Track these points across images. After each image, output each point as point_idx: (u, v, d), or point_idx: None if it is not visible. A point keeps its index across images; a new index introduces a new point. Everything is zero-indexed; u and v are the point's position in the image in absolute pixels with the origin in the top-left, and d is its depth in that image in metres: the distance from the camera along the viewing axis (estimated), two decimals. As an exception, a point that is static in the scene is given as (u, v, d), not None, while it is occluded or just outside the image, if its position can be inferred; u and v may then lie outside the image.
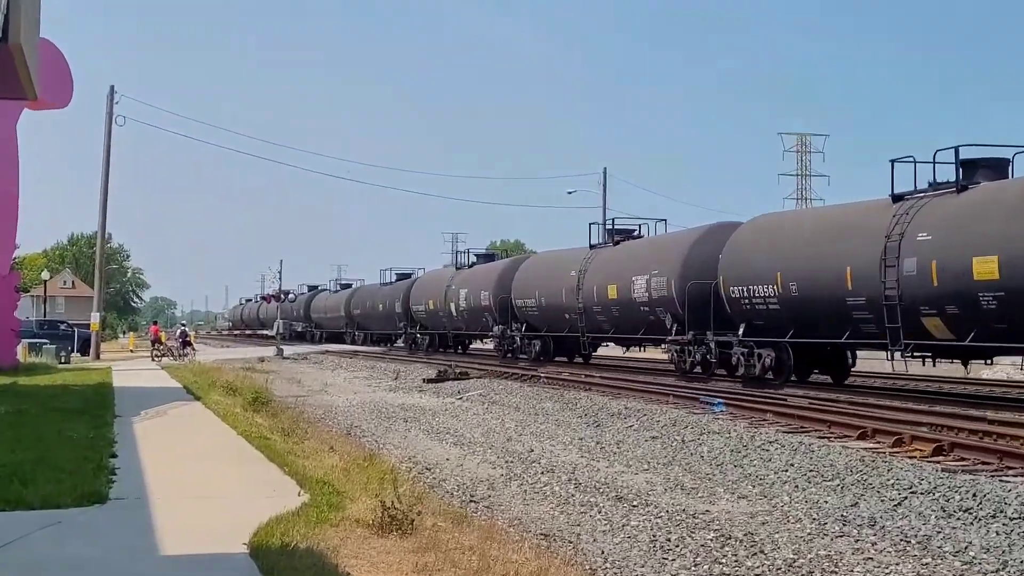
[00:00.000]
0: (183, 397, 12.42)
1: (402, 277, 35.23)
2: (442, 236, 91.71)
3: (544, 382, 16.53)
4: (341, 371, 21.62)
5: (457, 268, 27.28)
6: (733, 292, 15.59)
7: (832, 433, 9.55)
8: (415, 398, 15.18)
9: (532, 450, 9.28)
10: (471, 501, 6.97)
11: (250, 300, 58.80)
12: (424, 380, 17.33)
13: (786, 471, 7.80)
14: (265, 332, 45.44)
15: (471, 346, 29.23)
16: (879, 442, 8.87)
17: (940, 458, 7.95)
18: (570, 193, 46.04)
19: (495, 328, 22.92)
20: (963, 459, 7.86)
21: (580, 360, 21.12)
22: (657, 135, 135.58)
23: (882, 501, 6.57)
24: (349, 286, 41.98)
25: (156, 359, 22.96)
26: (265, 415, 10.62)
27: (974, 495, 6.41)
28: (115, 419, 9.42)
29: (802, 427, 10.05)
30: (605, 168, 39.92)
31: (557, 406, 13.01)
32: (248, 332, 54.71)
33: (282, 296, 36.87)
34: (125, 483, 5.92)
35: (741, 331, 15.42)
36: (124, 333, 57.28)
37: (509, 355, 22.58)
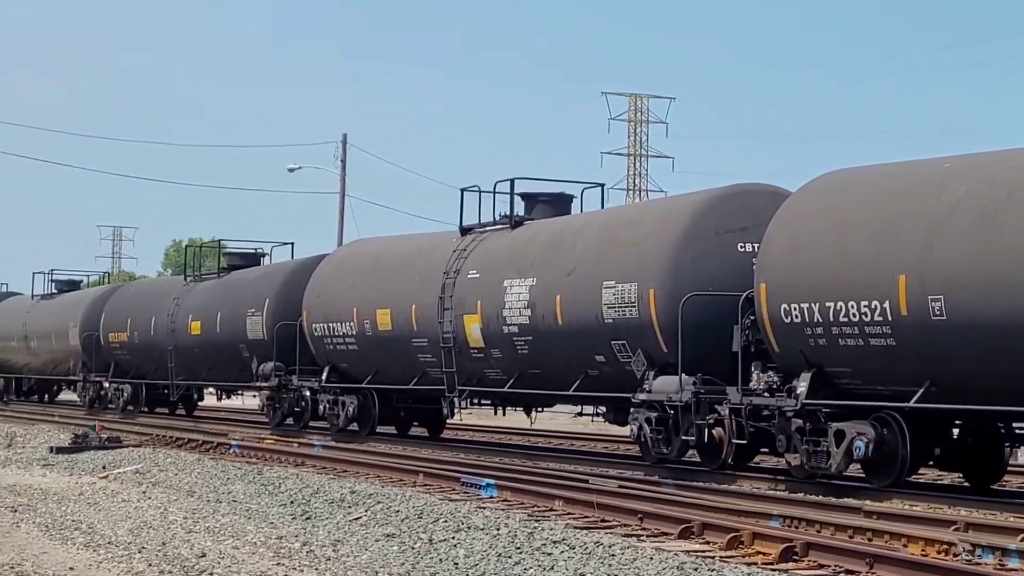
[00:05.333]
0: None
1: None
2: (98, 232, 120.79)
3: (235, 454, 23.22)
4: (-91, 435, 29.46)
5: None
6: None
7: (644, 529, 13.49)
8: (35, 476, 20.94)
9: (204, 554, 12.50)
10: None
11: None
12: (52, 449, 24.52)
13: (573, 586, 10.75)
14: None
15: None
16: (708, 542, 12.52)
17: (789, 565, 11.31)
18: (292, 170, 55.81)
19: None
20: (820, 565, 11.26)
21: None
22: (426, 88, 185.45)
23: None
24: None
25: None
26: None
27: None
28: None
29: (603, 520, 14.13)
30: (345, 135, 55.06)
31: (251, 489, 17.84)
32: None
33: None
34: None
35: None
36: None
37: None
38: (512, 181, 25.23)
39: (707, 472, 18.88)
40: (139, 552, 12.76)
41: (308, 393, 28.62)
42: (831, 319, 16.63)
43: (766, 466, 20.88)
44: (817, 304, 16.76)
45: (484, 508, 15.20)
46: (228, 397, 40.93)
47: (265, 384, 29.76)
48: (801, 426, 17.18)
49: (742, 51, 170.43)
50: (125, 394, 38.63)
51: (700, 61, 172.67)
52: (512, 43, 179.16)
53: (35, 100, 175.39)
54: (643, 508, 14.20)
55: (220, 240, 36.99)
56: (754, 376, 17.90)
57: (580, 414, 24.86)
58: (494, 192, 25.34)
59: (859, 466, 17.22)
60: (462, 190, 25.68)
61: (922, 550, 11.89)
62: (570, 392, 21.63)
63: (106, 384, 39.71)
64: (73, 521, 15.27)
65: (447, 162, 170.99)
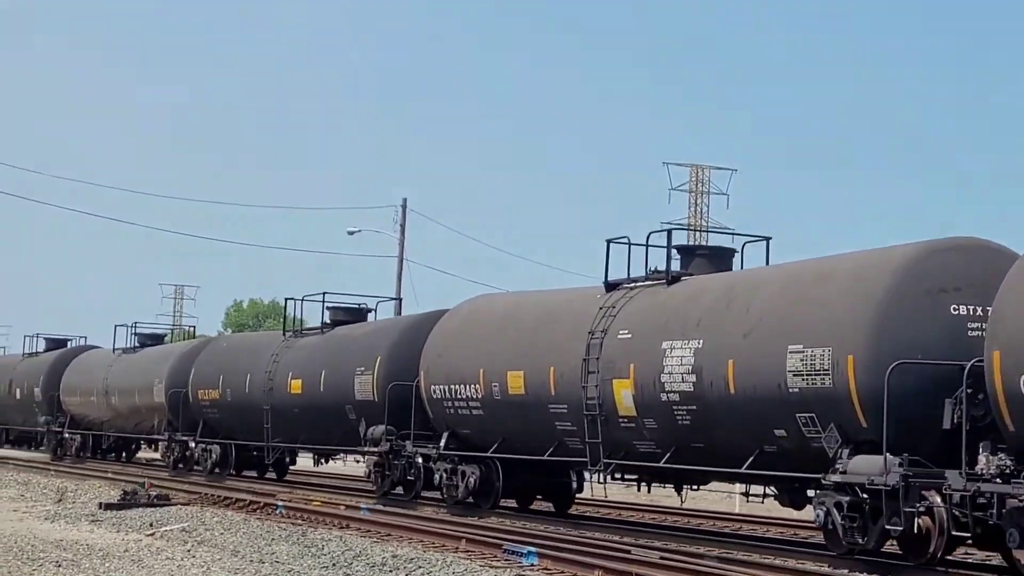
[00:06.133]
0: None
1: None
2: (160, 289, 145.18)
3: (281, 515, 27.57)
4: (-27, 485, 35.79)
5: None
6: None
7: None
8: (83, 531, 24.90)
9: None
10: None
11: None
12: (101, 505, 28.82)
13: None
14: None
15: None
16: None
17: None
18: (352, 233, 67.74)
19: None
20: None
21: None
22: (484, 157, 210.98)
23: None
24: None
25: None
26: None
27: None
28: None
29: None
30: (405, 200, 66.32)
31: (294, 551, 21.13)
32: None
33: None
34: None
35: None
36: None
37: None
38: (669, 232, 26.21)
39: (913, 568, 19.29)
40: (178, 611, 14.64)
41: (420, 460, 30.26)
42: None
43: (973, 560, 21.35)
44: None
45: (524, 576, 17.28)
46: (325, 462, 43.72)
47: (375, 449, 31.74)
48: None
49: (803, 124, 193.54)
50: (213, 455, 41.82)
51: (762, 133, 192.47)
52: (573, 111, 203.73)
53: (93, 156, 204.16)
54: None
55: (324, 292, 38.79)
56: (982, 458, 18.14)
57: (746, 495, 25.30)
58: (647, 245, 26.30)
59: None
60: (608, 241, 26.82)
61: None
62: (742, 470, 22.24)
63: (192, 444, 43.15)
64: (115, 581, 17.55)
65: (505, 228, 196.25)
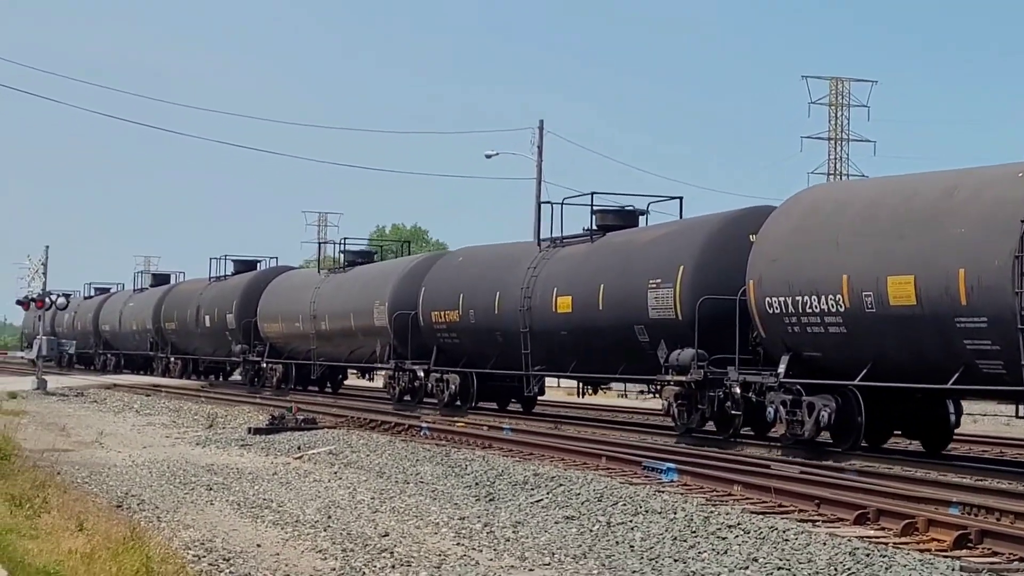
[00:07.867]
0: None
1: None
2: (304, 217, 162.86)
3: (426, 436, 31.31)
4: (130, 414, 42.96)
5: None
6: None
7: (820, 514, 18.28)
8: (233, 456, 28.36)
9: (387, 533, 17.24)
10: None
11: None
12: (250, 430, 32.96)
13: (745, 569, 14.71)
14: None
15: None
16: (883, 528, 16.96)
17: (963, 552, 15.35)
18: (489, 157, 76.65)
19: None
20: (994, 552, 15.19)
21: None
22: (621, 77, 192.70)
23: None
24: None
25: None
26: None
27: (993, 607, 13.39)
28: None
29: (780, 505, 19.09)
30: (542, 122, 74.36)
31: (438, 471, 24.04)
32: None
33: (48, 300, 65.56)
34: None
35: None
36: None
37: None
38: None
39: None
40: (325, 530, 17.43)
41: (739, 391, 28.83)
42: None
43: None
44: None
45: (663, 492, 20.53)
46: (594, 392, 42.32)
47: (683, 378, 30.18)
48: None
49: (945, 33, 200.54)
50: (451, 386, 41.90)
51: (902, 44, 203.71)
52: (710, 28, 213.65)
53: (238, 89, 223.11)
54: (820, 494, 18.86)
55: (592, 192, 37.41)
56: None
57: None
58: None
59: None
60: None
61: (1104, 539, 15.33)
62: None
63: (420, 373, 43.60)
64: (265, 500, 20.66)
65: (642, 148, 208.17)
